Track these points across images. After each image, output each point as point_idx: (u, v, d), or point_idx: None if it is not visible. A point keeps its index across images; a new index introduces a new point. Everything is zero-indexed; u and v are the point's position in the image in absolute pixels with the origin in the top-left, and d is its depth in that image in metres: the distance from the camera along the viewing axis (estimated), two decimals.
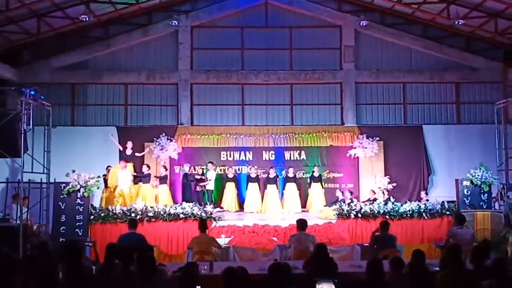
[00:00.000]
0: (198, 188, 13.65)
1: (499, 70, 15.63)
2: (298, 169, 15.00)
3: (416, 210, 11.19)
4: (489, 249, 6.30)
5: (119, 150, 13.80)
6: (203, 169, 14.34)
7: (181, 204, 11.70)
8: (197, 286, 4.12)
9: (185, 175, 13.94)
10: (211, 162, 14.24)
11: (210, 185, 13.95)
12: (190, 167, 14.34)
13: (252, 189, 14.10)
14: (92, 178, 11.04)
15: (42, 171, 11.27)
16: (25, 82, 13.37)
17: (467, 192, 11.41)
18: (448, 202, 11.64)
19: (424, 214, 11.15)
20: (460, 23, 13.72)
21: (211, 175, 14.03)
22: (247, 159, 15.22)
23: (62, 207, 10.76)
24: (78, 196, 10.80)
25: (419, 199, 13.34)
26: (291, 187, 14.16)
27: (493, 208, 11.65)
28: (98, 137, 14.53)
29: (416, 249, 5.32)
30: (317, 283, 4.48)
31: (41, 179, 11.22)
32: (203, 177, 13.86)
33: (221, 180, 14.54)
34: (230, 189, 14.25)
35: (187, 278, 3.96)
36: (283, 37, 15.98)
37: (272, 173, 14.08)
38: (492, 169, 12.00)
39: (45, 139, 11.46)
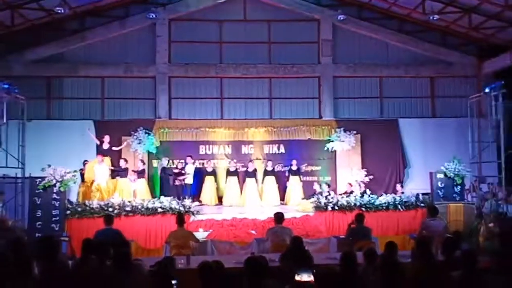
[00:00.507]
0: (177, 182, 13.63)
1: (473, 64, 15.98)
2: (277, 162, 15.09)
3: (392, 203, 11.38)
4: (460, 240, 6.50)
5: (96, 144, 13.64)
6: (181, 163, 14.30)
7: (159, 198, 11.66)
8: (173, 281, 4.16)
9: (163, 169, 13.90)
10: (190, 156, 14.22)
11: (189, 179, 13.94)
12: (168, 161, 14.32)
13: (231, 183, 14.15)
14: (68, 173, 10.86)
15: (17, 165, 11.13)
16: None
17: (441, 185, 11.65)
18: (422, 194, 11.89)
19: (399, 206, 11.34)
20: (435, 18, 13.93)
21: (190, 168, 14.01)
22: (226, 152, 15.25)
23: (38, 202, 10.58)
24: (54, 191, 10.62)
25: (394, 191, 13.59)
26: (270, 180, 14.26)
27: (465, 200, 11.93)
28: (74, 131, 14.33)
29: (388, 241, 5.45)
30: (297, 274, 4.53)
31: (16, 174, 11.08)
32: (182, 171, 13.84)
33: (200, 174, 14.57)
34: (209, 183, 14.28)
35: (162, 273, 3.99)
36: (262, 31, 16.01)
37: (251, 167, 14.16)
38: (466, 162, 12.29)
39: (19, 133, 11.31)
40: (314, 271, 4.33)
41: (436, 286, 4.14)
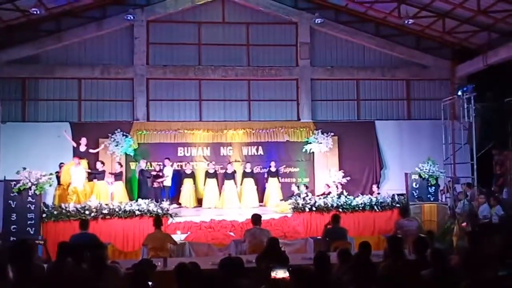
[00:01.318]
0: (155, 185, 13.56)
1: (447, 67, 16.33)
2: (256, 164, 15.17)
3: (368, 203, 11.54)
4: (431, 240, 6.67)
5: (73, 147, 13.48)
6: (159, 165, 14.25)
7: (137, 200, 11.60)
8: (149, 283, 4.18)
9: (141, 171, 13.84)
10: (168, 158, 14.19)
11: (167, 181, 13.90)
12: (146, 163, 14.25)
13: (210, 185, 14.17)
14: (44, 176, 10.72)
15: None
16: None
17: (416, 185, 11.87)
18: (398, 195, 12.08)
19: (375, 207, 11.50)
20: (410, 22, 14.23)
21: (168, 171, 13.97)
22: (205, 154, 15.26)
23: (13, 206, 10.39)
24: (30, 194, 10.45)
25: (371, 192, 13.79)
26: (249, 182, 14.33)
27: (439, 201, 12.19)
28: (50, 133, 14.15)
29: (362, 241, 5.56)
30: (272, 271, 4.59)
31: None
32: (160, 173, 13.79)
33: (178, 176, 14.56)
34: (188, 185, 14.27)
35: (138, 275, 4.02)
36: (240, 33, 16.09)
37: (230, 169, 14.20)
38: (440, 163, 12.55)
39: None
40: (290, 268, 4.40)
41: (406, 284, 4.25)
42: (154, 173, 13.73)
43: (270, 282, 4.52)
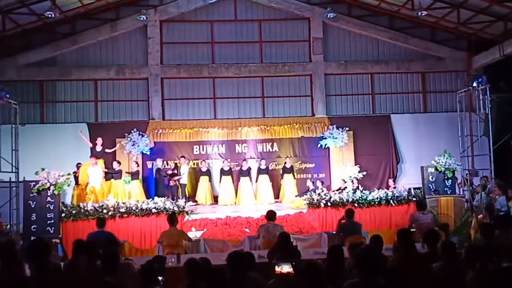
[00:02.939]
0: (171, 183, 13.66)
1: (463, 59, 16.10)
2: (271, 160, 15.20)
3: (384, 198, 11.50)
4: (447, 233, 6.61)
5: (90, 147, 13.72)
6: (175, 163, 14.37)
7: (153, 199, 11.75)
8: (159, 277, 4.25)
9: (158, 170, 13.97)
10: (183, 156, 14.30)
11: (184, 179, 14.01)
12: (163, 162, 14.38)
13: (226, 182, 14.24)
14: (62, 176, 10.96)
15: (11, 170, 11.21)
16: None
17: (432, 179, 11.76)
18: (414, 188, 12.00)
19: (391, 201, 11.46)
20: (423, 14, 14.04)
21: (184, 169, 14.08)
22: (220, 152, 15.34)
23: (33, 206, 10.66)
24: (49, 194, 10.71)
25: (387, 187, 13.70)
26: (264, 179, 14.35)
27: (457, 194, 12.05)
28: (68, 134, 14.45)
29: (374, 234, 5.55)
30: (277, 266, 4.63)
31: (10, 178, 11.15)
32: (176, 172, 13.91)
33: (194, 174, 14.67)
34: (203, 182, 14.37)
35: (147, 270, 4.10)
36: (253, 30, 16.12)
37: (245, 166, 14.26)
38: (456, 155, 12.40)
39: (13, 138, 11.38)
40: (294, 263, 4.43)
41: (416, 276, 4.24)
42: (170, 172, 13.85)
43: (280, 275, 4.55)
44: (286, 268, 4.34)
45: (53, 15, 13.15)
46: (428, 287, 4.40)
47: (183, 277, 4.69)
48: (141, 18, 15.16)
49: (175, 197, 12.61)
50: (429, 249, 5.13)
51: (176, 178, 13.70)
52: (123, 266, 4.96)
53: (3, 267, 4.58)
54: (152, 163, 14.65)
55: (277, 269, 4.32)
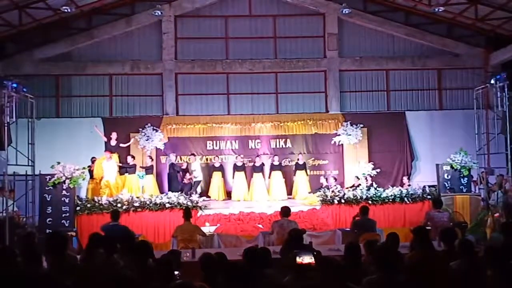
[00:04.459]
0: (185, 181, 13.60)
1: (480, 56, 15.85)
2: (284, 157, 15.16)
3: (398, 195, 11.43)
4: (463, 231, 6.53)
5: (105, 142, 13.82)
6: (187, 163, 14.23)
7: (167, 193, 11.80)
8: (176, 272, 4.26)
9: (172, 165, 13.99)
10: (193, 154, 14.28)
11: (198, 176, 13.88)
12: (176, 157, 14.41)
13: (239, 178, 14.25)
14: (77, 170, 11.07)
15: (27, 163, 11.33)
16: (9, 74, 13.27)
17: (447, 177, 11.66)
18: (429, 186, 11.91)
19: (405, 199, 11.40)
20: (440, 10, 13.86)
21: (195, 166, 13.96)
22: (233, 148, 15.34)
23: (48, 199, 10.81)
24: (64, 187, 10.84)
25: (401, 184, 13.59)
26: (277, 175, 14.34)
27: (472, 192, 11.91)
28: (83, 128, 14.53)
29: (390, 232, 5.50)
30: (298, 256, 4.58)
31: (26, 171, 11.28)
32: (188, 171, 13.76)
33: (207, 170, 14.70)
34: (216, 178, 14.39)
35: (164, 264, 4.10)
36: (267, 26, 16.05)
37: (258, 162, 14.25)
38: (473, 153, 12.25)
39: (29, 131, 11.51)
40: (315, 253, 4.38)
41: (434, 274, 4.20)
42: (184, 167, 13.81)
43: (296, 272, 4.52)
44: (307, 259, 4.28)
45: (69, 10, 13.27)
46: (446, 285, 4.35)
47: (198, 271, 4.71)
48: (156, 13, 15.16)
49: (188, 193, 12.62)
50: (446, 248, 5.07)
51: (188, 177, 13.61)
52: None
53: (22, 259, 4.63)
54: (166, 158, 14.72)
55: (298, 260, 4.27)
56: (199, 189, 13.75)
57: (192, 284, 3.34)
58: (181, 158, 14.72)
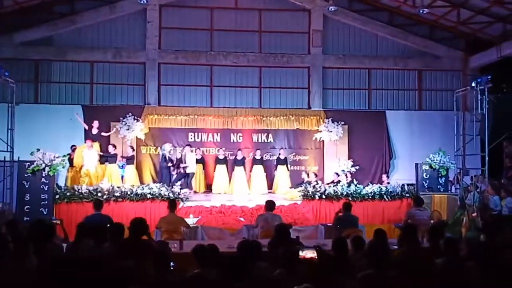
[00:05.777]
0: (176, 172, 13.36)
1: (460, 58, 16.23)
2: (265, 151, 15.21)
3: (378, 192, 11.62)
4: (444, 229, 6.70)
5: (85, 129, 13.58)
6: (181, 153, 13.96)
7: (149, 184, 11.71)
8: (171, 263, 4.26)
9: (164, 157, 13.50)
10: (189, 145, 14.07)
11: (192, 169, 13.57)
12: (171, 148, 13.87)
13: (220, 171, 14.25)
14: (57, 157, 10.87)
15: (6, 149, 11.07)
16: None
17: (426, 176, 11.91)
18: (408, 185, 12.13)
19: (385, 196, 11.60)
20: (424, 12, 14.08)
21: (191, 158, 13.65)
22: (215, 140, 15.29)
23: (27, 186, 10.57)
24: (43, 175, 10.62)
25: (380, 182, 13.82)
26: (258, 169, 14.39)
27: (449, 191, 12.20)
28: (63, 115, 14.25)
29: (377, 228, 5.61)
30: (300, 251, 4.63)
31: (4, 157, 11.02)
32: (180, 163, 13.53)
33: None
34: (197, 170, 14.33)
35: (161, 255, 4.10)
36: (253, 19, 16.02)
37: (240, 155, 14.27)
38: (451, 154, 12.54)
39: (8, 117, 11.23)
40: (318, 247, 4.45)
41: (422, 271, 4.31)
42: (175, 160, 13.55)
43: (287, 266, 4.58)
44: (310, 254, 4.34)
45: None
46: (432, 281, 4.47)
47: (188, 263, 4.72)
48: (141, 2, 14.93)
49: (176, 183, 12.37)
50: (431, 245, 5.21)
51: (183, 165, 13.36)
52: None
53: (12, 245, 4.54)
54: (159, 149, 14.23)
55: (301, 254, 4.33)
56: (193, 182, 13.62)
57: (207, 276, 3.37)
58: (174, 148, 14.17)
